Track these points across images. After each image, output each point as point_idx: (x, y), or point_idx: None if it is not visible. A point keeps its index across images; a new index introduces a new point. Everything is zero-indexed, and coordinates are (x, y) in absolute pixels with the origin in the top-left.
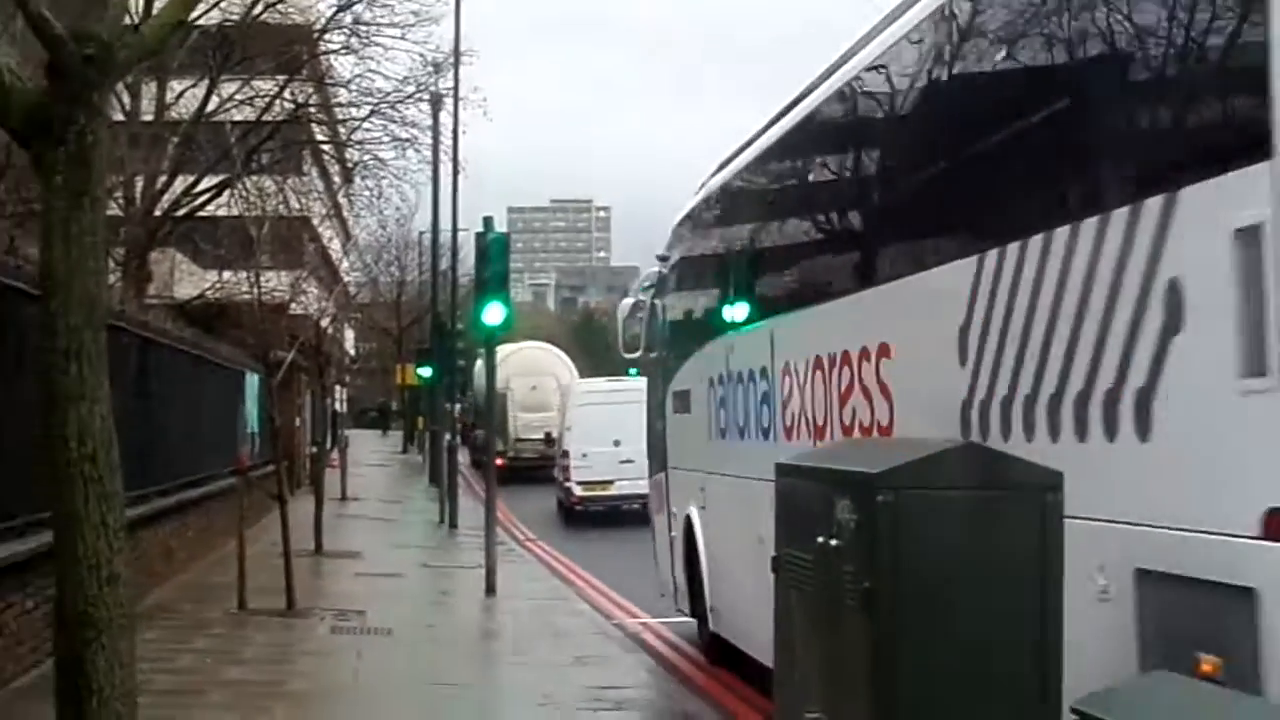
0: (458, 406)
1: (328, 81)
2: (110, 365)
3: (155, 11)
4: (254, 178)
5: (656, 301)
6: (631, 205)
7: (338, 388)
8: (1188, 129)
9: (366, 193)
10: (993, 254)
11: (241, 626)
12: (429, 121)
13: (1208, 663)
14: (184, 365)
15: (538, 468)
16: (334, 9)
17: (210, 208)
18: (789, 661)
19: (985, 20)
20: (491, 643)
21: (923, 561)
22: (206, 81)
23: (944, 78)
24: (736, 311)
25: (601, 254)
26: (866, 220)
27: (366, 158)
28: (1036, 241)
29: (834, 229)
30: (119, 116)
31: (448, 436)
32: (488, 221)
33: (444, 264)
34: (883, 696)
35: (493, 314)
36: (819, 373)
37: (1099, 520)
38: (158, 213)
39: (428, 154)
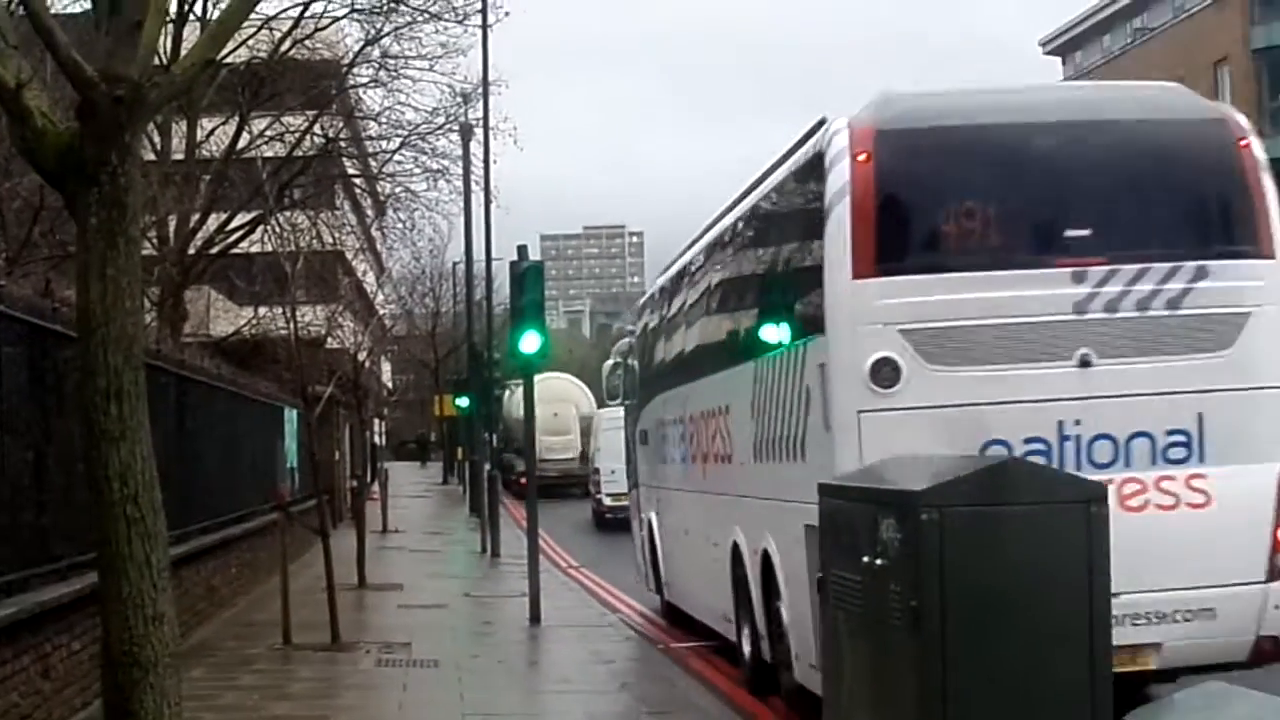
0: (494, 436)
1: (357, 115)
2: (149, 404)
3: (184, 51)
4: (286, 213)
5: (629, 362)
6: (664, 230)
7: (376, 420)
8: (799, 312)
9: (399, 225)
10: (751, 363)
11: (287, 662)
12: (459, 152)
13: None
14: (222, 402)
15: (558, 485)
16: (361, 43)
17: (244, 244)
18: (838, 680)
19: (726, 238)
20: (537, 671)
21: (968, 578)
22: (237, 118)
23: (715, 265)
24: (668, 377)
25: (635, 279)
26: (714, 330)
27: (398, 190)
28: (737, 369)
29: (704, 331)
30: (150, 156)
31: (487, 466)
32: (521, 250)
33: (478, 294)
34: (931, 714)
35: (529, 342)
36: (703, 421)
37: (786, 501)
38: (192, 251)
39: (459, 184)
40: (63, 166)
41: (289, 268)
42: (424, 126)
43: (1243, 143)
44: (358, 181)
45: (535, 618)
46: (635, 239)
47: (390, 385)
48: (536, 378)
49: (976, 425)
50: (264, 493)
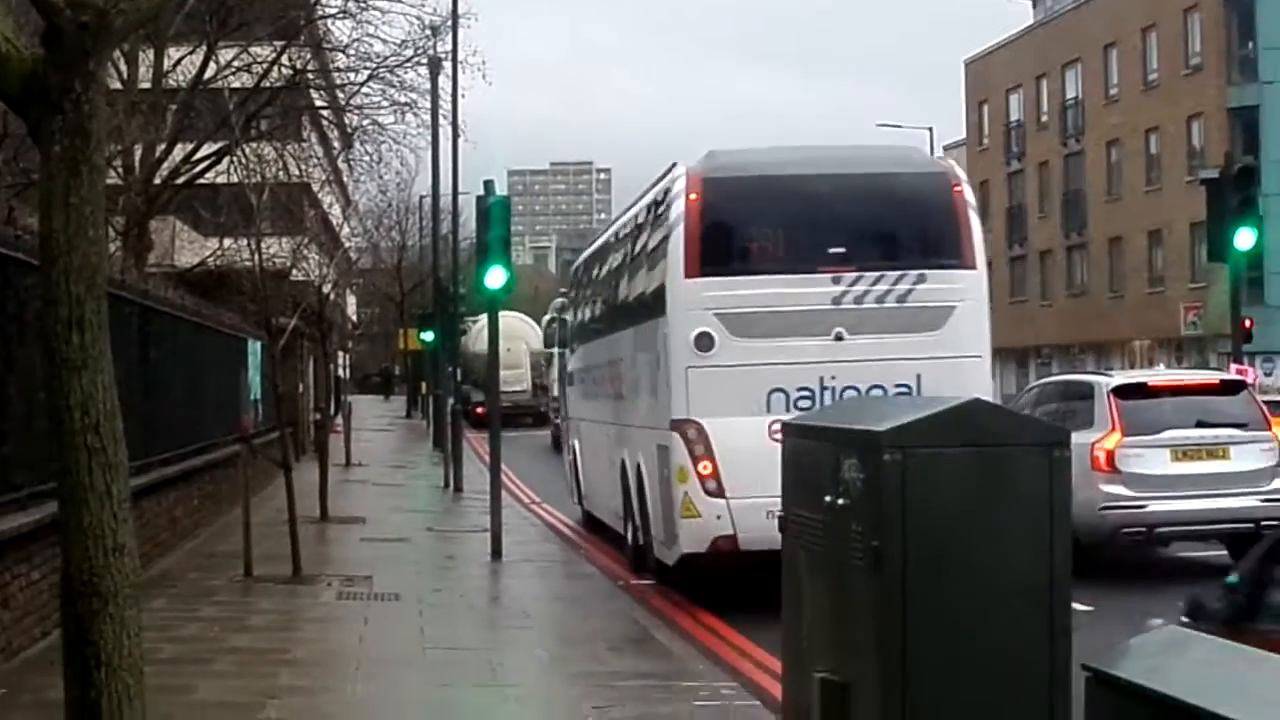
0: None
1: (325, 46)
2: (112, 334)
3: None
4: (253, 144)
5: (563, 317)
6: (631, 167)
7: (340, 354)
8: (652, 297)
9: (366, 158)
10: (630, 330)
11: (248, 593)
12: (428, 85)
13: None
14: (186, 333)
15: (512, 415)
16: None
17: (210, 175)
18: (797, 621)
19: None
20: (498, 607)
21: (930, 519)
22: (204, 48)
23: (609, 257)
24: (584, 334)
25: (602, 216)
26: (608, 304)
27: (366, 123)
28: (623, 333)
29: (603, 303)
30: (116, 84)
31: (451, 400)
32: (488, 185)
33: (445, 228)
34: (891, 655)
35: (494, 277)
36: (605, 369)
37: (649, 429)
38: (157, 181)
39: (427, 118)
40: (27, 93)
41: (255, 199)
42: (392, 59)
43: (957, 188)
44: (325, 113)
45: (497, 553)
46: (602, 175)
47: (355, 318)
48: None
49: (765, 379)
50: (227, 424)
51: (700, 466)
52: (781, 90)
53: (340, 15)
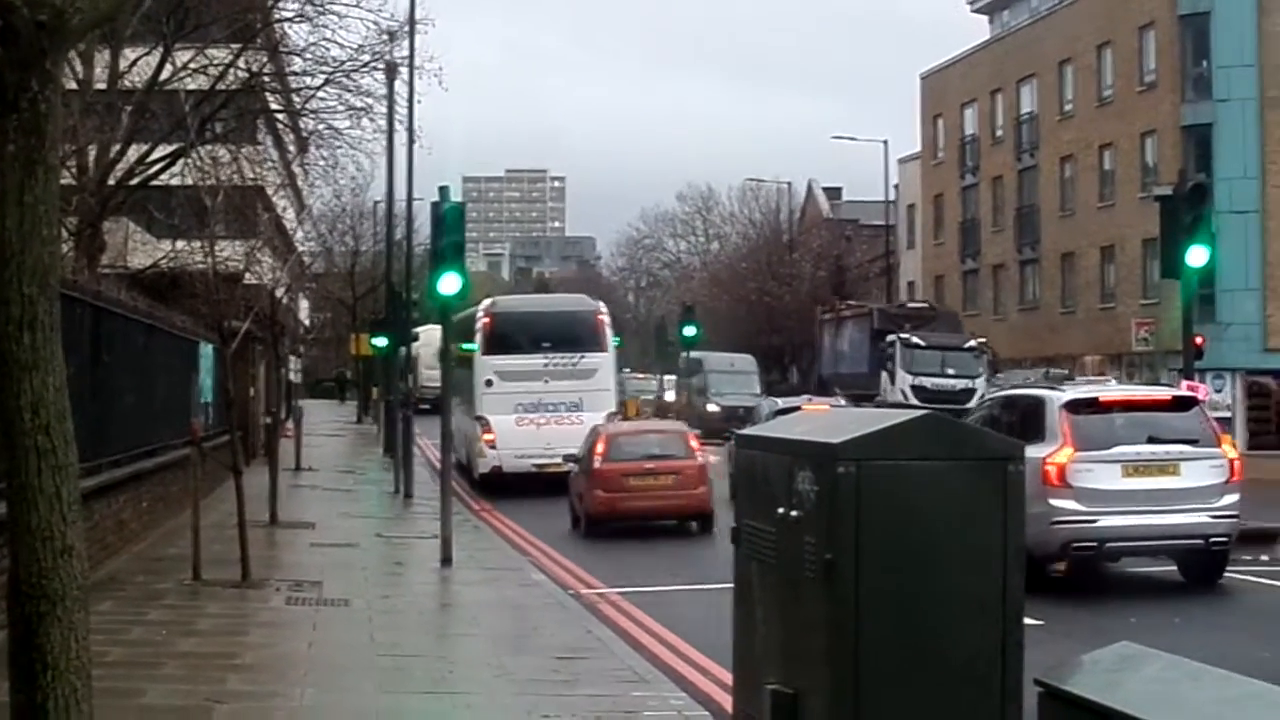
0: (411, 377)
1: (282, 50)
2: (64, 336)
3: None
4: (208, 147)
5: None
6: (585, 175)
7: (292, 358)
8: (476, 356)
9: (321, 162)
10: (471, 366)
11: (196, 597)
12: (384, 90)
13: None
14: (138, 335)
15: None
16: None
17: (164, 177)
18: (749, 632)
19: None
20: (447, 614)
21: (884, 532)
22: (160, 49)
23: (465, 327)
24: (469, 361)
25: (556, 224)
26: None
27: (321, 127)
28: (466, 371)
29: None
30: (72, 85)
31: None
32: (443, 191)
33: (399, 234)
34: (842, 667)
35: (448, 283)
36: (469, 381)
37: (472, 420)
38: (111, 182)
39: (383, 123)
40: None
41: (209, 202)
42: (349, 64)
43: (600, 316)
44: (281, 117)
45: (447, 559)
46: (557, 184)
47: (308, 323)
48: (424, 328)
49: (514, 398)
50: (178, 427)
51: (486, 435)
52: (734, 101)
53: (297, 19)
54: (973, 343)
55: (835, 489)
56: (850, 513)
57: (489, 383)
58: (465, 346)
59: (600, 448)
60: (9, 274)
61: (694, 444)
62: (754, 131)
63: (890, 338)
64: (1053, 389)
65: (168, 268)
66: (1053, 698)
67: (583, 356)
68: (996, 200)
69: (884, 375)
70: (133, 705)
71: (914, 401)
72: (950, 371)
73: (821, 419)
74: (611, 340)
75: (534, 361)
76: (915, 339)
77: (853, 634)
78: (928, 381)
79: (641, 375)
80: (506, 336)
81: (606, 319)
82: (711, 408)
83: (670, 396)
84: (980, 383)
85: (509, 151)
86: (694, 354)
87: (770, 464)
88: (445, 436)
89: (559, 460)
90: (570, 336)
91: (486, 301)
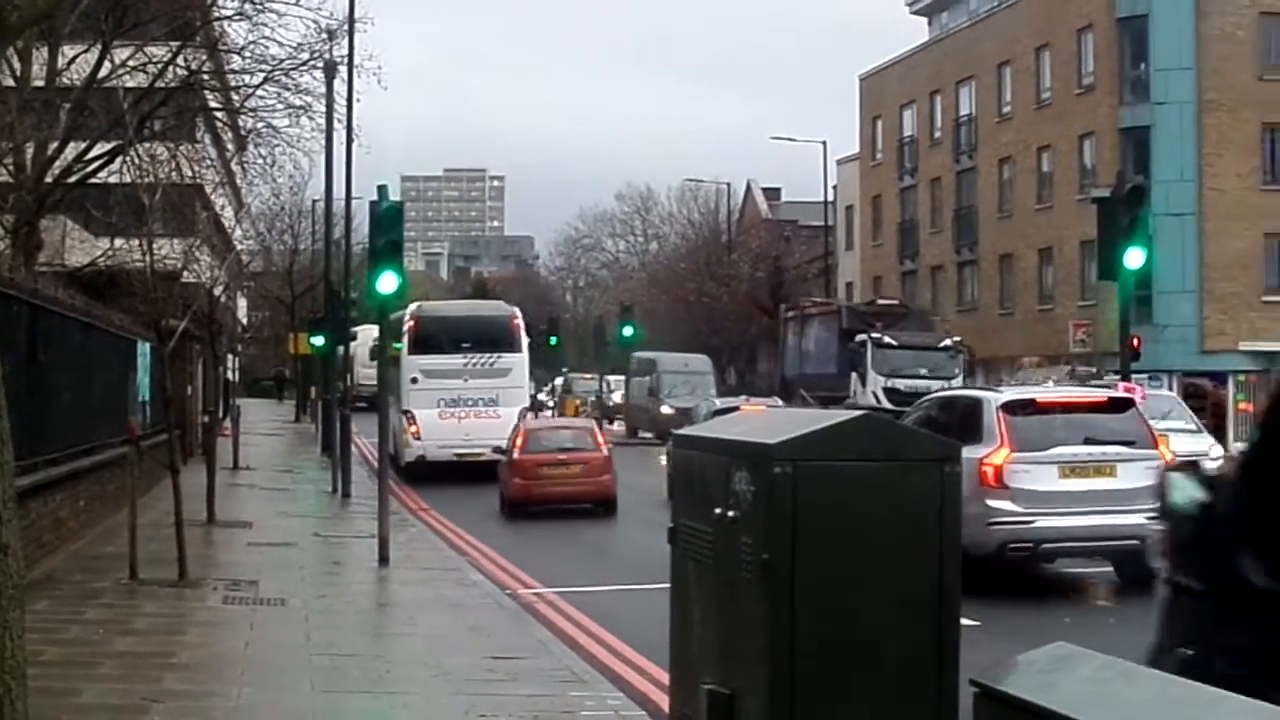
0: (350, 376)
1: (221, 48)
2: (0, 334)
3: None
4: (146, 145)
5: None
6: (525, 174)
7: (230, 356)
8: (404, 356)
9: (260, 161)
10: (400, 365)
11: (133, 597)
12: (323, 89)
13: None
14: (75, 333)
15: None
16: None
17: (102, 175)
18: (686, 632)
19: None
20: (384, 613)
21: (820, 532)
22: (99, 47)
23: (396, 327)
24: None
25: (495, 223)
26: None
27: (260, 125)
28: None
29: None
30: (9, 82)
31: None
32: (381, 190)
33: (337, 232)
34: (779, 667)
35: (386, 282)
36: (415, 379)
37: (402, 410)
38: (49, 179)
39: (321, 122)
40: None
41: (147, 200)
42: (288, 62)
43: (515, 320)
44: (219, 115)
45: (384, 558)
46: (496, 183)
47: (245, 321)
48: (362, 327)
49: (437, 394)
50: (115, 425)
51: (412, 427)
52: (675, 102)
53: (236, 17)
54: (948, 342)
55: (772, 489)
56: (787, 513)
57: (414, 380)
58: (394, 346)
59: (519, 440)
60: None
61: (600, 438)
62: (694, 132)
63: (860, 337)
64: (990, 390)
65: (105, 266)
66: (988, 698)
67: (499, 357)
68: (935, 201)
69: (854, 377)
70: (69, 705)
71: (886, 404)
72: (924, 372)
73: (759, 419)
74: (525, 342)
75: (455, 361)
76: (887, 338)
77: (789, 634)
78: (901, 383)
79: (588, 376)
80: (430, 338)
81: (521, 323)
82: (665, 410)
83: (618, 397)
84: (956, 384)
85: (448, 151)
86: (646, 354)
87: (707, 464)
88: (383, 436)
89: (479, 450)
90: (488, 338)
91: (412, 306)
